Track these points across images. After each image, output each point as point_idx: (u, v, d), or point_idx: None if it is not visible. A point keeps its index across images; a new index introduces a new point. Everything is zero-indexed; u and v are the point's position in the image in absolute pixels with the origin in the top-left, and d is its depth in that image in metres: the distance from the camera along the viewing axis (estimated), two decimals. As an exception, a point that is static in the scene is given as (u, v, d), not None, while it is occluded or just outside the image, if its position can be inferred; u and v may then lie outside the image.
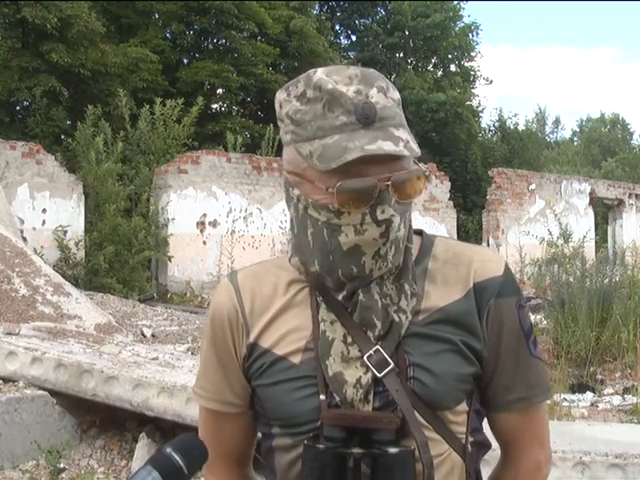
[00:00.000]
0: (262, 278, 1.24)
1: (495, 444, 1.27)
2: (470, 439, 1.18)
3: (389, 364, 1.12)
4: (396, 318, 1.13)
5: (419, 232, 1.25)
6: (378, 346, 1.13)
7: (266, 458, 1.24)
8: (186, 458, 1.07)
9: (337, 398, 1.13)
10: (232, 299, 1.23)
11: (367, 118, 1.08)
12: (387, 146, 1.06)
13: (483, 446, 1.23)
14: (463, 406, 1.17)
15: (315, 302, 1.18)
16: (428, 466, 1.11)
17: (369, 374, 1.12)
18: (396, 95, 1.14)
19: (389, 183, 1.08)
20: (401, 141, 1.07)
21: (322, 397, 1.14)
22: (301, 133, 1.11)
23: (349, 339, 1.14)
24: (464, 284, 1.19)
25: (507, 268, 1.22)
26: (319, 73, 1.11)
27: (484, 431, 1.23)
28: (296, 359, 1.17)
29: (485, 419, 1.25)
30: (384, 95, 1.10)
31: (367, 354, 1.13)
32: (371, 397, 1.12)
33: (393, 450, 1.09)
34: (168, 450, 1.07)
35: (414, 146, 1.09)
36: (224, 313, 1.23)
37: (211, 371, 1.26)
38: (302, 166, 1.12)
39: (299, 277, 1.20)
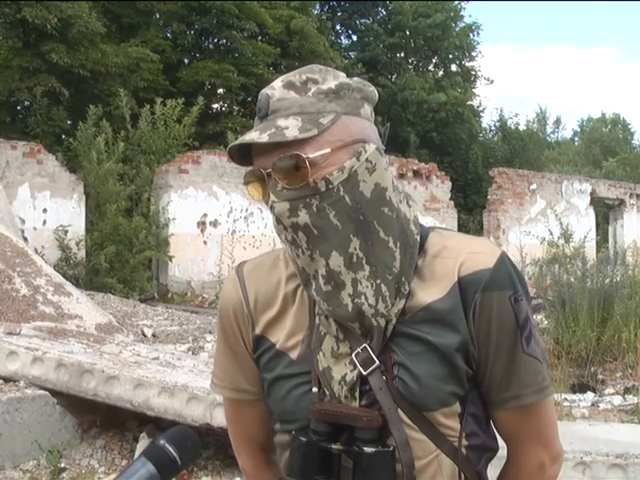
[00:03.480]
0: (267, 270, 1.23)
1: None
2: (465, 442, 1.14)
3: (374, 362, 1.11)
4: (374, 322, 1.11)
5: None
6: (366, 344, 1.12)
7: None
8: (179, 449, 1.09)
9: (327, 393, 1.13)
10: (237, 291, 1.23)
11: (259, 112, 1.10)
12: (252, 136, 1.06)
13: (486, 450, 1.19)
14: (454, 408, 1.13)
15: None
16: (408, 466, 1.09)
17: (356, 371, 1.11)
18: (327, 85, 1.10)
19: (269, 171, 1.08)
20: (274, 129, 1.06)
21: (315, 390, 1.14)
22: None
23: (341, 335, 1.13)
24: (450, 279, 1.12)
25: (501, 261, 1.12)
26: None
27: (490, 434, 1.20)
28: (294, 354, 1.17)
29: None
30: (288, 89, 1.09)
31: (355, 352, 1.12)
32: (357, 394, 1.12)
33: (369, 450, 1.08)
34: (162, 442, 1.09)
35: (290, 131, 1.05)
36: (230, 305, 1.24)
37: (225, 360, 1.28)
38: None
39: None
